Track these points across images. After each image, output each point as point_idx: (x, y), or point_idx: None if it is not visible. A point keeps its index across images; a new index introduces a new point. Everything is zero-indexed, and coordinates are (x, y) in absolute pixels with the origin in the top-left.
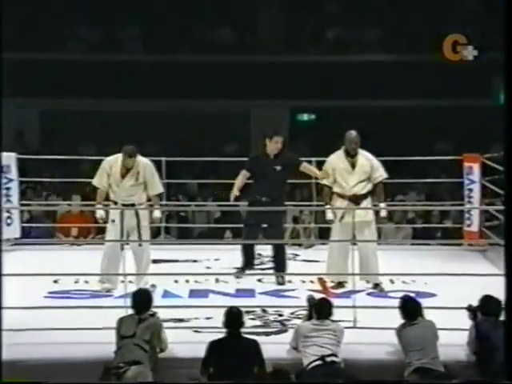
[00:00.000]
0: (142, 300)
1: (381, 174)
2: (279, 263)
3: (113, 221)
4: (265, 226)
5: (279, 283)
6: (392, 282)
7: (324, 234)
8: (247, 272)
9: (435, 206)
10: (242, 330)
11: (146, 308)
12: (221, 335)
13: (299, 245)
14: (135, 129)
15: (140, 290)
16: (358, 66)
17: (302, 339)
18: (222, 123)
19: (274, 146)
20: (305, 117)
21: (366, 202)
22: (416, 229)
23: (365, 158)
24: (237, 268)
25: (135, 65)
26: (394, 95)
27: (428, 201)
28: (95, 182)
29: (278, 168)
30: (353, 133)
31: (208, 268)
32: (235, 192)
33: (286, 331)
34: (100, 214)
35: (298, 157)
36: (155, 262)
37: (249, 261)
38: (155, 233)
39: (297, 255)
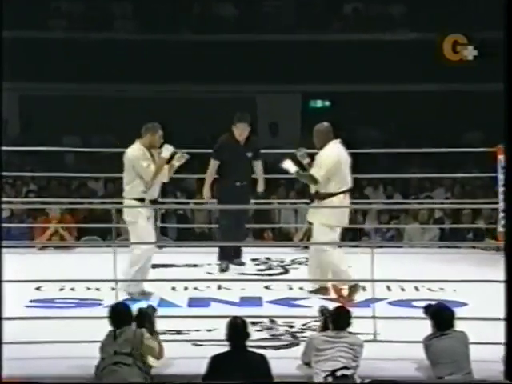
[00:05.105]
0: (115, 316)
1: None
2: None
3: (148, 218)
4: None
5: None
6: (417, 289)
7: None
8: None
9: (466, 204)
10: (248, 343)
11: (123, 323)
12: (224, 349)
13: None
14: (126, 117)
15: (115, 304)
16: (378, 46)
17: (314, 353)
18: (224, 111)
19: (240, 132)
20: (318, 103)
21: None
22: (444, 230)
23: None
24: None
25: (126, 45)
26: (418, 79)
27: (458, 198)
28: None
29: (250, 155)
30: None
31: (209, 273)
32: (208, 193)
33: (297, 344)
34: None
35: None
36: (151, 266)
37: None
38: None
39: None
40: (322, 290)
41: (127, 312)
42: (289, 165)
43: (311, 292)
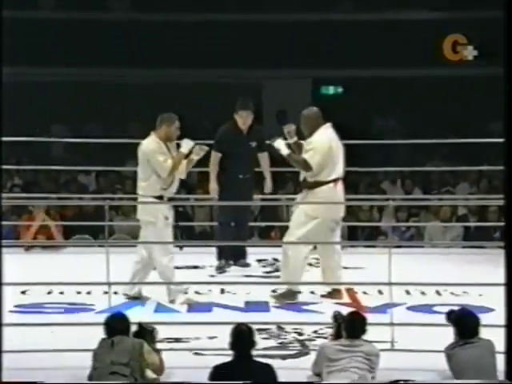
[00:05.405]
0: (113, 325)
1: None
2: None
3: (166, 218)
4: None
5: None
6: (438, 293)
7: (354, 234)
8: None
9: (492, 199)
10: (253, 351)
11: (121, 333)
12: (227, 358)
13: None
14: (121, 104)
15: (112, 313)
16: (394, 27)
17: (326, 363)
18: (228, 98)
19: (243, 120)
20: (330, 90)
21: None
22: (468, 228)
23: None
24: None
25: (122, 26)
26: (439, 62)
27: (484, 193)
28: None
29: (254, 144)
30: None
31: (211, 276)
32: (215, 185)
33: (307, 354)
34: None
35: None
36: None
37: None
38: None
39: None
40: (335, 294)
41: (125, 321)
42: (281, 145)
43: (323, 296)
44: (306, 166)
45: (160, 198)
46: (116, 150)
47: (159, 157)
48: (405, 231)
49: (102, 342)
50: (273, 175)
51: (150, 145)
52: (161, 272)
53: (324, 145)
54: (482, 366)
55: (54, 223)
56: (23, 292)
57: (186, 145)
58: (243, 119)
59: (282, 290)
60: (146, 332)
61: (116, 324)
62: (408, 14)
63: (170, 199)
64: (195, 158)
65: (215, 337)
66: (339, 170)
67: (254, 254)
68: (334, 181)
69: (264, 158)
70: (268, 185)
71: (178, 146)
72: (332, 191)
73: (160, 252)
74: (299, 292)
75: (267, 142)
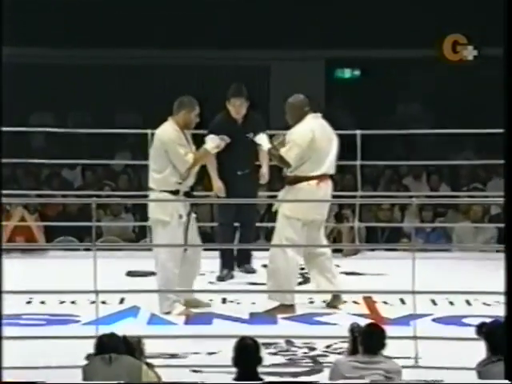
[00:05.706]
0: (109, 344)
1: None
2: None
3: (180, 216)
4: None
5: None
6: (468, 303)
7: (373, 236)
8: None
9: None
10: (259, 369)
11: (117, 352)
12: (230, 376)
13: (339, 251)
14: (110, 89)
15: (105, 334)
16: (420, 3)
17: (342, 381)
18: (232, 82)
19: (236, 109)
20: (346, 73)
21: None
22: (503, 230)
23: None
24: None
25: (118, 2)
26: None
27: None
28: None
29: (251, 136)
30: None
31: (212, 283)
32: (220, 183)
33: (320, 371)
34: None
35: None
36: (139, 274)
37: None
38: (138, 235)
39: (336, 266)
40: (335, 301)
41: (119, 341)
42: (263, 140)
43: (328, 305)
44: (284, 163)
45: (176, 192)
46: (104, 141)
47: (180, 149)
48: (430, 233)
49: (95, 358)
50: (278, 170)
51: (169, 133)
52: (162, 277)
53: (304, 137)
54: None
55: (35, 223)
56: None
57: (212, 142)
58: (236, 108)
59: (274, 305)
60: (134, 346)
61: (110, 344)
62: None
63: (186, 194)
64: (214, 151)
65: (216, 352)
66: (326, 165)
67: (259, 258)
68: (319, 177)
69: (263, 150)
70: (264, 174)
71: (194, 136)
72: (313, 189)
73: (166, 255)
74: (293, 305)
75: (248, 136)
